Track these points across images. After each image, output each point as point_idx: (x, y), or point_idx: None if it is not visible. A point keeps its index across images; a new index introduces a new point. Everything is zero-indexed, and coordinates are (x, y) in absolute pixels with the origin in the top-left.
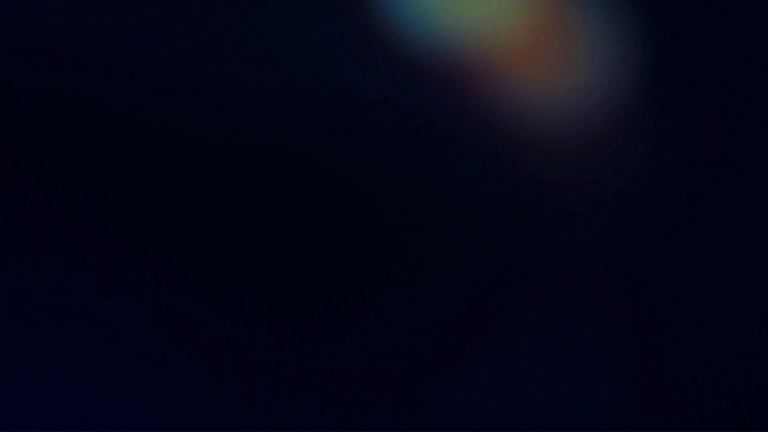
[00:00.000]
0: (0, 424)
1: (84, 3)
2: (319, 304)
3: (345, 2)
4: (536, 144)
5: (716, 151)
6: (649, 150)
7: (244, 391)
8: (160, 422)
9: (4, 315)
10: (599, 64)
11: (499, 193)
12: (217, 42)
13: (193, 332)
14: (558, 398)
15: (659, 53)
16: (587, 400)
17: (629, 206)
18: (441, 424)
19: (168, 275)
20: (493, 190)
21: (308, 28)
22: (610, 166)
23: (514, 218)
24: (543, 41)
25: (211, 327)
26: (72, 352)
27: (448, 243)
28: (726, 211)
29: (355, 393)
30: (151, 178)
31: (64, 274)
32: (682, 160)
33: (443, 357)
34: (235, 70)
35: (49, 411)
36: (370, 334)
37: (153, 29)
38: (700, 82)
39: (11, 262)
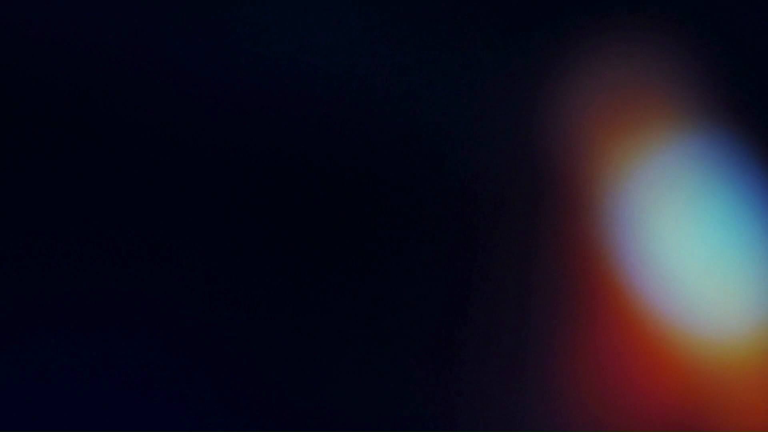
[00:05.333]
0: (0, 424)
1: (83, 2)
2: (323, 302)
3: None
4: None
5: None
6: None
7: (243, 390)
8: (161, 422)
9: (6, 315)
10: None
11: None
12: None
13: (190, 331)
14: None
15: None
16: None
17: None
18: (439, 424)
19: (168, 272)
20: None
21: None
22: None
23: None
24: None
25: (210, 326)
26: (71, 351)
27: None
28: None
29: (354, 393)
30: (151, 176)
31: (62, 274)
32: None
33: (443, 356)
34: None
35: (49, 410)
36: (372, 334)
37: (152, 27)
38: None
39: (11, 262)
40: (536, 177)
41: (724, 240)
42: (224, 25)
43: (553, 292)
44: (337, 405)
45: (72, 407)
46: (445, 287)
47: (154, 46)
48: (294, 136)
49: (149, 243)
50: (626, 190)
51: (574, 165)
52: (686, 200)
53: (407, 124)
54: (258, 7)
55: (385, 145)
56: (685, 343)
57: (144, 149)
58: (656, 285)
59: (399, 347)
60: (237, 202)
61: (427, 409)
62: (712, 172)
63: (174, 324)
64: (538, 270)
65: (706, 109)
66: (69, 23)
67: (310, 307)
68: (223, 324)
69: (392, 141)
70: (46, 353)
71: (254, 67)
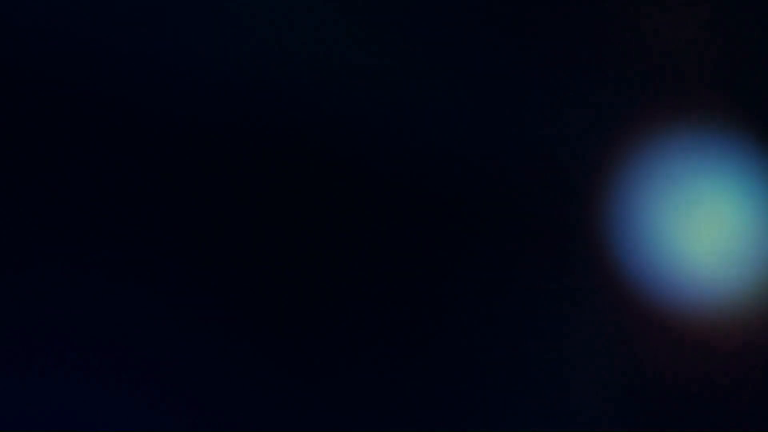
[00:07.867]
0: (0, 424)
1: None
2: (323, 300)
3: None
4: None
5: None
6: None
7: (243, 389)
8: (160, 421)
9: (7, 315)
10: None
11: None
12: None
13: (189, 327)
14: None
15: None
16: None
17: None
18: (437, 424)
19: (167, 269)
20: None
21: None
22: None
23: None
24: None
25: (209, 324)
26: (72, 350)
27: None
28: None
29: (354, 392)
30: (150, 174)
31: (63, 273)
32: None
33: (442, 356)
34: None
35: (51, 410)
36: (372, 333)
37: (150, 26)
38: None
39: (12, 263)
40: (537, 174)
41: (728, 236)
42: (217, 20)
43: (554, 287)
44: (336, 405)
45: (72, 407)
46: (447, 285)
47: (146, 42)
48: (291, 135)
49: (141, 238)
50: (629, 186)
51: (574, 160)
52: (691, 195)
53: (405, 122)
54: (253, 6)
55: (383, 143)
56: (693, 335)
57: (134, 144)
58: (663, 278)
59: (380, 345)
60: (227, 196)
61: (429, 408)
62: (715, 168)
63: (170, 321)
64: (540, 264)
65: (706, 106)
66: (59, 20)
67: (304, 304)
68: (217, 323)
69: (390, 139)
70: (44, 353)
71: (247, 64)
